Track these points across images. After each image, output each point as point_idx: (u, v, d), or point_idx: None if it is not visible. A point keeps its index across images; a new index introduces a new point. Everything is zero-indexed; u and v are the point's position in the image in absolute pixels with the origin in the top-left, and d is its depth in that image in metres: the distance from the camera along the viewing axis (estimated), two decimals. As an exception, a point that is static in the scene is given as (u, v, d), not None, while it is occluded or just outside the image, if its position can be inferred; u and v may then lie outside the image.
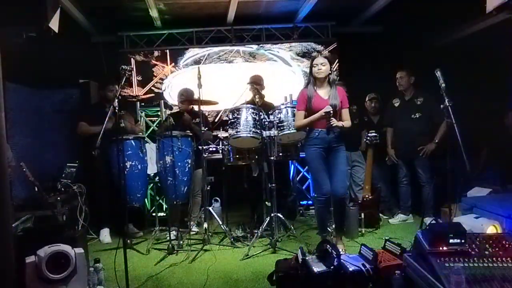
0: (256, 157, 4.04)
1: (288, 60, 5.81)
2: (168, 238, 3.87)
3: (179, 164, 4.03)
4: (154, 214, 4.87)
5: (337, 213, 3.51)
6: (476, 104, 4.44)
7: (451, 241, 2.25)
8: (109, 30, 5.55)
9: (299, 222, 4.78)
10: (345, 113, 3.48)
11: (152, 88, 5.69)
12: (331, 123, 3.32)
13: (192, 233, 4.27)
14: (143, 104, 5.59)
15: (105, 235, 4.30)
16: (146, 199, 4.87)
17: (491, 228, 2.86)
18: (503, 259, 2.19)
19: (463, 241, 2.26)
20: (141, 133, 4.61)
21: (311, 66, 3.44)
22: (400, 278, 2.40)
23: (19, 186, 4.09)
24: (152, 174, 4.61)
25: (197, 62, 5.67)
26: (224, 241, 4.05)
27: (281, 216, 3.84)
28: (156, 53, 5.69)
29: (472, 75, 4.61)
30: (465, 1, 4.06)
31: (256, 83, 4.41)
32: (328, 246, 2.74)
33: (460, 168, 3.28)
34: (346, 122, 3.46)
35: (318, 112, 3.32)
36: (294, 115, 3.71)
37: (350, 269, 2.55)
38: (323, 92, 3.44)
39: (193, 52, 5.72)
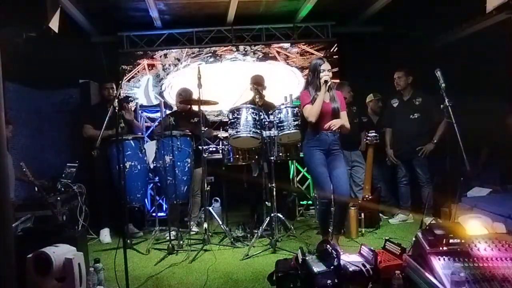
0: (256, 157, 4.04)
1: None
2: (168, 238, 3.87)
3: (179, 163, 4.04)
4: (154, 214, 4.87)
5: (338, 214, 3.50)
6: (476, 104, 4.44)
7: (451, 241, 2.25)
8: (109, 30, 5.55)
9: (299, 222, 4.78)
10: (344, 115, 3.51)
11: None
12: (332, 127, 3.34)
13: (192, 233, 4.27)
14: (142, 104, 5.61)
15: (105, 235, 4.29)
16: (146, 199, 4.87)
17: (474, 222, 2.85)
18: (503, 259, 2.19)
19: (463, 241, 2.26)
20: (140, 133, 4.61)
21: (317, 72, 3.43)
22: (400, 278, 2.40)
23: (19, 186, 4.09)
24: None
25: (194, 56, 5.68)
26: (224, 241, 4.05)
27: (281, 216, 3.84)
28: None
29: (472, 75, 4.61)
30: (465, 1, 4.07)
31: (258, 83, 4.41)
32: (328, 246, 2.74)
33: (460, 168, 3.28)
34: (347, 124, 3.48)
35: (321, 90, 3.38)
36: (294, 115, 3.70)
37: (350, 269, 2.55)
38: (324, 96, 3.46)
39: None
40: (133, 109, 5.04)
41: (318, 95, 3.38)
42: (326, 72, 3.40)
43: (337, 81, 4.99)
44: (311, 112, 3.37)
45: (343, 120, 3.48)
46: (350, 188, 4.67)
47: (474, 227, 2.77)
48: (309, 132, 3.50)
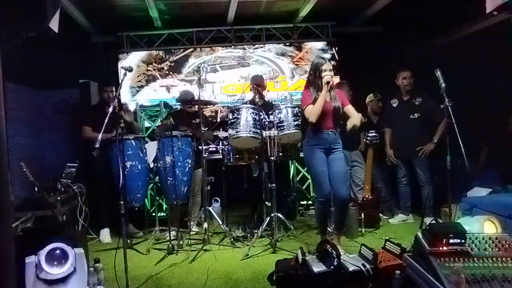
0: (256, 157, 4.04)
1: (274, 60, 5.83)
2: (168, 238, 3.87)
3: (179, 164, 4.04)
4: (154, 214, 4.87)
5: (337, 214, 3.50)
6: (475, 104, 4.44)
7: (451, 241, 2.25)
8: (109, 30, 5.55)
9: (299, 222, 4.78)
10: (350, 109, 3.50)
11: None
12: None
13: (192, 233, 4.28)
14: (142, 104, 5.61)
15: (105, 235, 4.30)
16: (146, 199, 4.86)
17: (488, 224, 2.85)
18: (503, 259, 2.19)
19: (463, 241, 2.26)
20: (140, 133, 4.61)
21: (319, 71, 3.41)
22: (400, 278, 2.40)
23: (19, 186, 4.08)
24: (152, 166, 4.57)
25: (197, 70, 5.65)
26: (224, 241, 4.05)
27: (281, 216, 3.84)
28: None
29: (472, 75, 4.61)
30: (465, 1, 4.07)
31: (258, 83, 4.42)
32: (328, 246, 2.75)
33: (460, 168, 3.28)
34: (357, 116, 3.47)
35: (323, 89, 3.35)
36: (294, 115, 3.70)
37: (350, 269, 2.55)
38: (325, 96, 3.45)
39: (192, 61, 5.73)
40: (132, 109, 5.05)
41: (320, 96, 3.38)
42: (327, 72, 3.38)
43: (337, 78, 4.98)
44: (312, 112, 3.35)
45: (352, 112, 3.48)
46: (350, 188, 4.69)
47: (488, 227, 2.78)
48: (310, 131, 3.49)
